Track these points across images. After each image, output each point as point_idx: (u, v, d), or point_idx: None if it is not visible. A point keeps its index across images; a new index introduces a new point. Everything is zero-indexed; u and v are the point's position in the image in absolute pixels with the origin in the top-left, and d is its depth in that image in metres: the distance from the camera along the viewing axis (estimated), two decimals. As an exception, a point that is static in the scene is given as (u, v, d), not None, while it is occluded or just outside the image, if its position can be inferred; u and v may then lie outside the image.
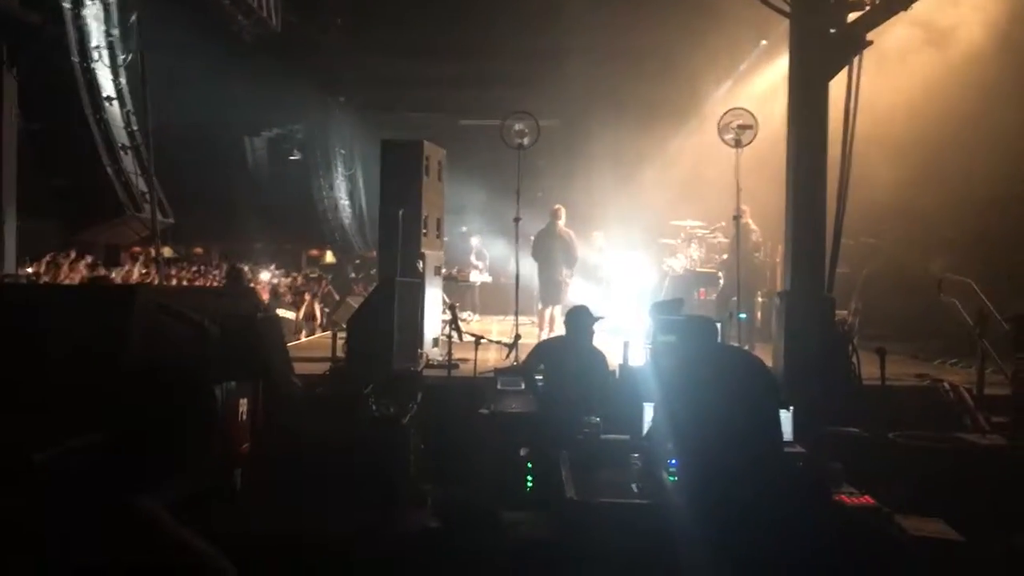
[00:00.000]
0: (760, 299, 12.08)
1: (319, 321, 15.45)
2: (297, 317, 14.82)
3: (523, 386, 7.52)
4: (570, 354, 7.19)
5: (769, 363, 8.50)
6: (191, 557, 1.90)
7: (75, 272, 13.96)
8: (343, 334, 9.23)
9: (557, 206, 12.17)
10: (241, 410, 5.71)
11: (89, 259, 15.07)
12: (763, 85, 14.35)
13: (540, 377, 7.36)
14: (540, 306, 12.31)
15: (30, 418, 4.48)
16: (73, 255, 14.04)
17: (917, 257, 11.85)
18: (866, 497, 5.49)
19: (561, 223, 11.98)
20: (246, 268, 18.04)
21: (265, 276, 18.47)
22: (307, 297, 15.98)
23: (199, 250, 24.93)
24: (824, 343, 7.79)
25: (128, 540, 1.87)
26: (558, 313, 12.00)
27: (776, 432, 5.10)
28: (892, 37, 9.98)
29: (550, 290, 11.97)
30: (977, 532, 5.27)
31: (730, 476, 4.61)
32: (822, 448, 6.33)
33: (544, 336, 11.27)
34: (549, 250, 11.90)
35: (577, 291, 12.55)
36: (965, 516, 5.42)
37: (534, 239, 11.99)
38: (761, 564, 4.35)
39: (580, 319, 7.31)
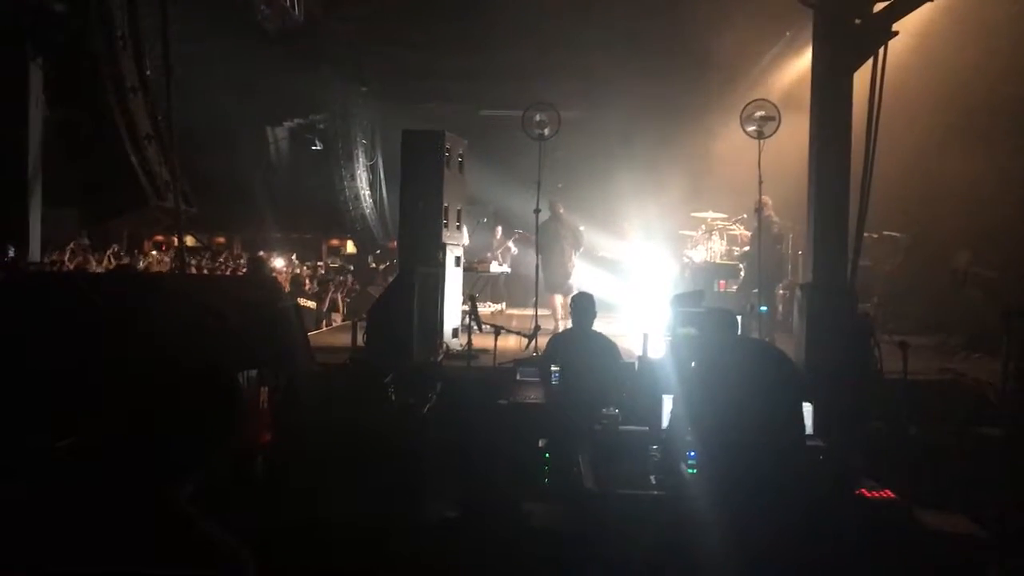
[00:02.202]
0: (781, 291, 12.02)
1: (342, 312, 15.49)
2: (320, 307, 14.87)
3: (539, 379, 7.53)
4: (582, 344, 7.19)
5: (790, 356, 8.47)
6: (213, 546, 1.92)
7: (100, 261, 14.12)
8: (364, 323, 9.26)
9: (559, 205, 12.39)
10: (262, 399, 5.76)
11: (115, 247, 15.24)
12: (787, 76, 14.25)
13: (557, 370, 7.35)
14: (549, 294, 12.31)
15: (54, 406, 4.54)
16: (84, 242, 14.16)
17: (940, 251, 11.75)
18: (887, 491, 5.46)
19: (563, 212, 12.17)
20: (267, 256, 18.15)
21: (280, 263, 18.53)
22: (330, 287, 16.04)
23: (221, 239, 25.06)
24: (846, 336, 7.74)
25: (153, 528, 1.89)
26: None
27: (798, 424, 5.07)
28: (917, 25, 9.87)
29: (562, 277, 12.01)
30: (998, 526, 5.24)
31: (750, 468, 4.59)
32: (843, 442, 6.30)
33: (562, 326, 11.27)
34: (557, 238, 11.96)
35: (602, 282, 12.66)
36: (986, 510, 5.39)
37: (539, 230, 11.89)
38: (780, 557, 4.34)
39: (587, 306, 7.32)
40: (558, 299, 12.06)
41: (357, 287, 16.71)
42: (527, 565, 4.94)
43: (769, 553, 4.31)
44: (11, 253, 9.50)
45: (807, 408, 6.36)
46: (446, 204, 9.94)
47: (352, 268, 20.42)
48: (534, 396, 7.31)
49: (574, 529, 5.16)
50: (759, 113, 9.82)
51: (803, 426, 5.22)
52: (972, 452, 6.38)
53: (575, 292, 9.34)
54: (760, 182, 9.82)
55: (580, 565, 4.85)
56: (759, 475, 4.58)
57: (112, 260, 14.35)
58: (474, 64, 18.67)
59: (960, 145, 10.94)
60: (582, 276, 13.06)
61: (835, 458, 5.88)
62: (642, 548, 4.71)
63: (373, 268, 19.74)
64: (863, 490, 5.47)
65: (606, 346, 7.24)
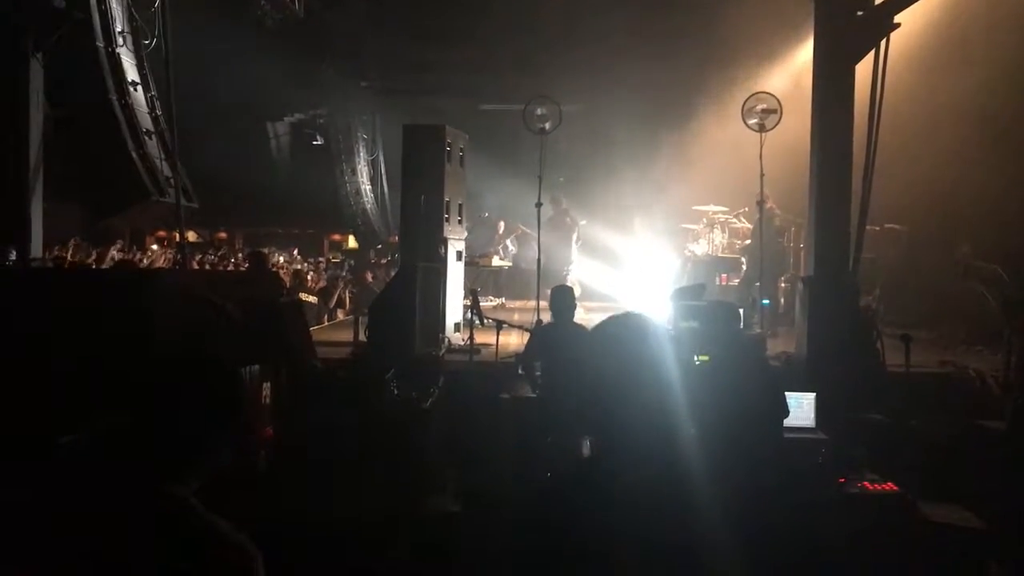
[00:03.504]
0: (783, 284, 12.01)
1: (347, 308, 15.52)
2: (327, 303, 14.86)
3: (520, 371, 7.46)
4: (566, 337, 7.14)
5: (792, 349, 8.47)
6: (219, 543, 1.91)
7: (103, 256, 14.13)
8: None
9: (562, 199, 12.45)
10: (264, 394, 5.76)
11: (120, 243, 15.25)
12: (789, 68, 14.22)
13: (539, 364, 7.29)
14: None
15: (55, 401, 4.54)
16: (74, 242, 14.15)
17: (943, 243, 11.74)
18: (889, 484, 5.47)
19: (566, 207, 12.23)
20: (269, 251, 18.16)
21: (281, 258, 18.54)
22: (339, 283, 16.04)
23: (222, 235, 25.09)
24: (848, 329, 7.74)
25: (157, 526, 1.88)
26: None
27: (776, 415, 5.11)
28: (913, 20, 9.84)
29: (565, 272, 12.09)
30: (1000, 519, 5.24)
31: (741, 457, 4.63)
32: (846, 434, 6.31)
33: None
34: (561, 231, 12.03)
35: (604, 275, 12.71)
36: (988, 503, 5.39)
37: (543, 224, 11.92)
38: (780, 548, 4.35)
39: (567, 298, 7.27)
40: None
41: (371, 276, 16.70)
42: (529, 560, 4.94)
43: (770, 545, 4.31)
44: (12, 256, 9.44)
45: (810, 400, 6.39)
46: (447, 199, 9.93)
47: (352, 262, 20.44)
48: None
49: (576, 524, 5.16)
50: (761, 106, 9.80)
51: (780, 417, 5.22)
52: (974, 445, 6.38)
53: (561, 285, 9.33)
54: (762, 175, 9.80)
55: (582, 559, 4.85)
56: (749, 464, 4.62)
57: (115, 256, 14.36)
58: (475, 58, 18.65)
59: (961, 137, 10.92)
60: (586, 269, 13.10)
61: (836, 450, 5.89)
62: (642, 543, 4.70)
63: (374, 263, 19.74)
64: (865, 483, 5.47)
65: (584, 335, 7.18)
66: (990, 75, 10.89)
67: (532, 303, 10.90)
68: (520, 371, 7.62)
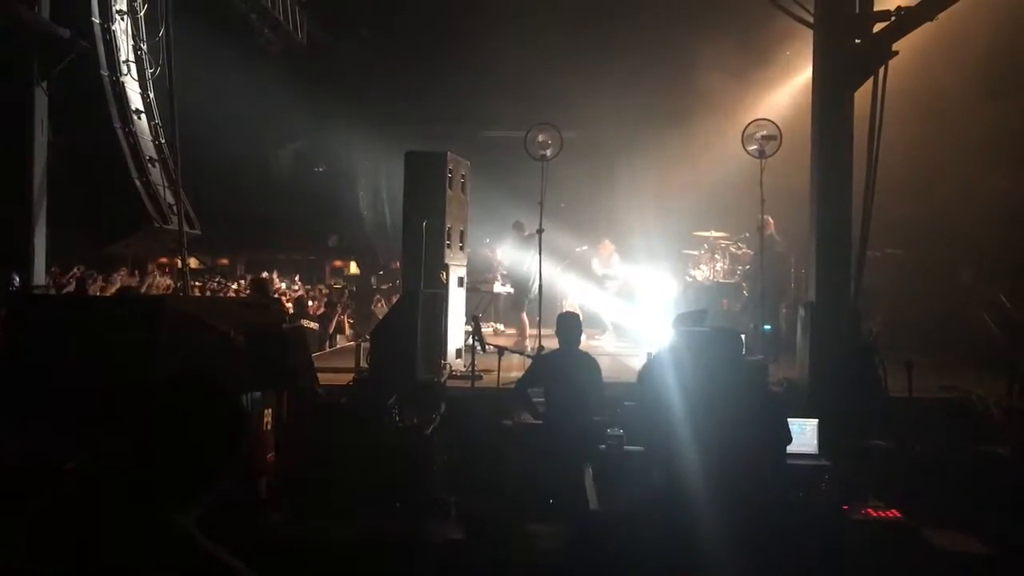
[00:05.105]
0: (785, 310, 12.00)
1: (347, 334, 15.51)
2: (326, 328, 14.85)
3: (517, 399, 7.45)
4: (571, 364, 7.14)
5: (794, 375, 8.45)
6: (219, 572, 1.90)
7: (107, 282, 14.13)
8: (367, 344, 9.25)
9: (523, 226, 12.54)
10: (266, 420, 5.75)
11: (124, 271, 15.26)
12: (787, 96, 14.30)
13: (539, 390, 7.28)
14: (519, 312, 12.46)
15: (60, 427, 4.54)
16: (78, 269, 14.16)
17: (944, 268, 11.74)
18: (893, 510, 5.44)
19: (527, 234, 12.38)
20: (270, 277, 18.16)
21: (284, 285, 18.55)
22: (338, 309, 16.03)
23: (225, 261, 25.11)
24: (850, 355, 7.72)
25: (157, 554, 1.88)
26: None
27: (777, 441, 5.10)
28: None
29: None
30: (1006, 546, 5.21)
31: (743, 484, 4.62)
32: (849, 461, 6.29)
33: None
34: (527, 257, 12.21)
35: (605, 302, 12.71)
36: (992, 529, 5.36)
37: (513, 252, 12.08)
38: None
39: (574, 326, 7.28)
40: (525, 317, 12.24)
41: (381, 302, 16.69)
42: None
43: (773, 572, 4.29)
44: (16, 282, 9.45)
45: (812, 427, 6.38)
46: (449, 225, 9.96)
47: (354, 287, 20.45)
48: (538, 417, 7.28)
49: (580, 549, 5.14)
50: (761, 132, 9.84)
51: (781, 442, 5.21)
52: (978, 471, 6.35)
53: (561, 311, 9.36)
54: (762, 201, 9.83)
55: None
56: (752, 490, 4.60)
57: (118, 282, 14.36)
58: (477, 85, 18.74)
59: (964, 162, 10.95)
60: (588, 295, 13.14)
61: (840, 477, 5.87)
62: (647, 568, 4.68)
63: (375, 289, 19.75)
64: (869, 510, 5.45)
65: (593, 365, 7.19)
66: (995, 94, 10.93)
67: (533, 330, 10.91)
68: (514, 396, 7.54)
